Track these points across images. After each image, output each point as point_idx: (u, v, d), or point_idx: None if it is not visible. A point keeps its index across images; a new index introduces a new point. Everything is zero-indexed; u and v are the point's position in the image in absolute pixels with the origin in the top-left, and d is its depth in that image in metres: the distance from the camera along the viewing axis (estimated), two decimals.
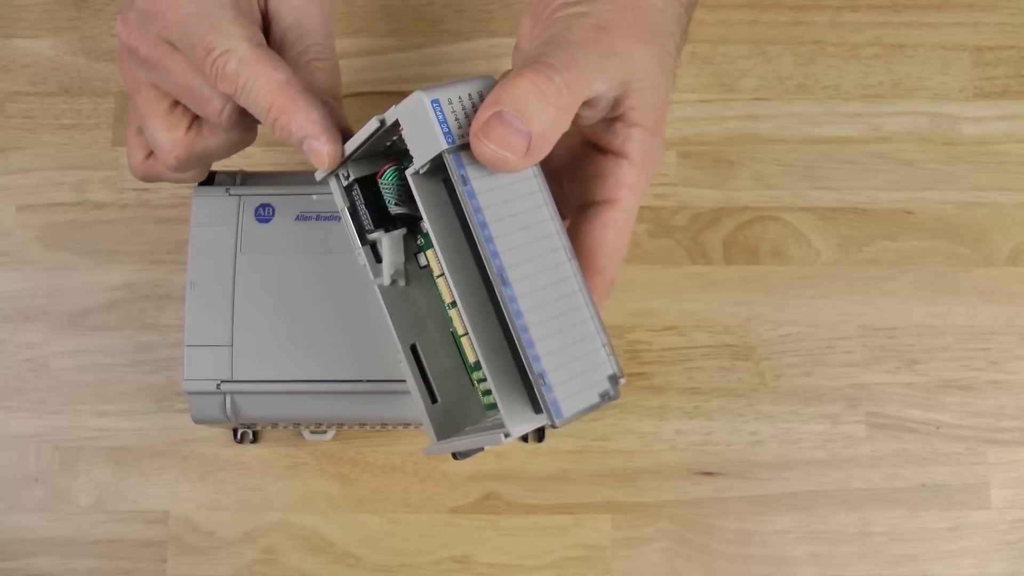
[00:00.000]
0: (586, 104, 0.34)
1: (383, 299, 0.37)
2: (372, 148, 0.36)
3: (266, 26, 0.40)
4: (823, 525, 0.53)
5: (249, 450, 0.53)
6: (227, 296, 0.44)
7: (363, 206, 0.36)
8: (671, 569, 0.52)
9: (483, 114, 0.31)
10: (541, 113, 0.31)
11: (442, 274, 0.35)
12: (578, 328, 0.32)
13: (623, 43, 0.34)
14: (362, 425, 0.49)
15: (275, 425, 0.48)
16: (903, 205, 0.56)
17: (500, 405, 0.32)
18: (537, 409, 0.32)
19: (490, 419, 0.36)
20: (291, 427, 0.50)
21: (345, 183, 0.37)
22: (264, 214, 0.45)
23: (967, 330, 0.55)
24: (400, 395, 0.43)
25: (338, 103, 0.39)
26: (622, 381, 0.32)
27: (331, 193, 0.38)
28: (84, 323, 0.54)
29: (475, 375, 0.36)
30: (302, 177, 0.47)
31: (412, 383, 0.37)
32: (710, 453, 0.53)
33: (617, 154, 0.36)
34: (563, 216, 0.34)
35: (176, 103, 0.39)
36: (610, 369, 0.32)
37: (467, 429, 0.37)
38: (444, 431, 0.37)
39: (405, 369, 0.37)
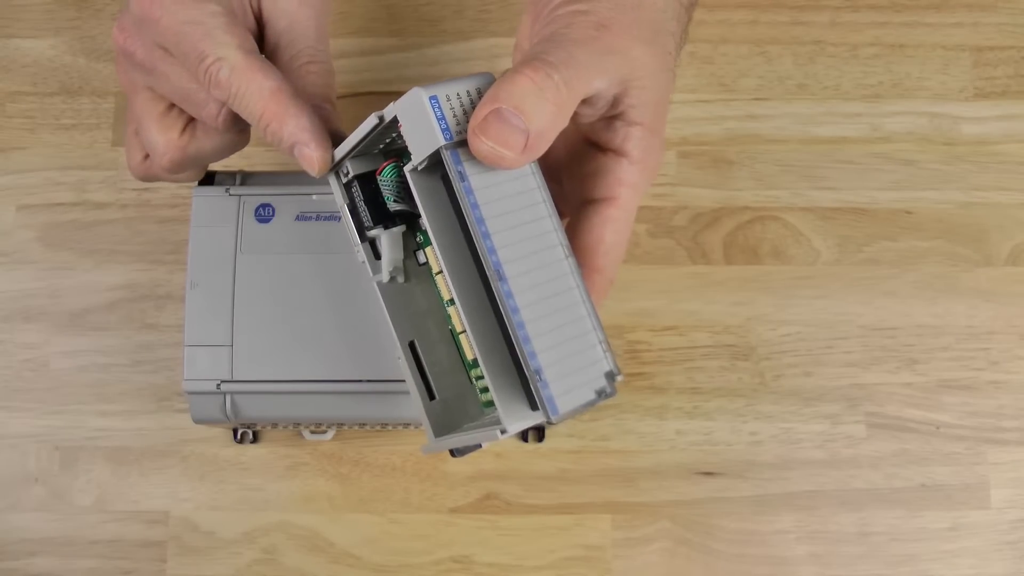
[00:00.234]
0: (585, 102, 0.34)
1: (382, 296, 0.37)
2: (371, 145, 0.36)
3: (260, 30, 0.40)
4: (823, 525, 0.53)
5: (249, 450, 0.53)
6: (227, 296, 0.44)
7: (362, 203, 0.36)
8: (671, 569, 0.52)
9: (481, 111, 0.31)
10: (539, 110, 0.31)
11: (440, 271, 0.35)
12: (575, 325, 0.32)
13: (623, 41, 0.34)
14: (362, 425, 0.49)
15: (275, 425, 0.48)
16: (903, 205, 0.56)
17: (497, 402, 0.32)
18: (534, 406, 0.32)
19: (488, 416, 0.36)
20: (291, 427, 0.50)
21: (345, 180, 0.37)
22: (264, 214, 0.45)
23: (967, 330, 0.55)
24: (400, 395, 0.43)
25: (331, 106, 0.39)
26: (619, 378, 0.32)
27: (331, 192, 0.38)
28: (84, 323, 0.54)
29: (473, 372, 0.36)
30: (302, 177, 0.46)
31: (410, 380, 0.37)
32: (710, 453, 0.53)
33: (617, 152, 0.36)
34: (562, 215, 0.34)
35: (171, 106, 0.40)
36: (607, 366, 0.32)
37: (465, 426, 0.37)
38: (442, 428, 0.37)
39: (403, 366, 0.37)
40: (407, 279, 0.38)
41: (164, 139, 0.39)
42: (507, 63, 0.39)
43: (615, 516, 0.52)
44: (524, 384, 0.33)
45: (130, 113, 0.41)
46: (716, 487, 0.53)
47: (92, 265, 0.55)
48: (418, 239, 0.38)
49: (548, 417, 0.31)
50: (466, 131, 0.31)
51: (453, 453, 0.36)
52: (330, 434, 0.53)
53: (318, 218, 0.45)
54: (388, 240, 0.37)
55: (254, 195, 0.46)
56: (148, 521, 0.52)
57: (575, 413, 0.31)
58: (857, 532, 0.52)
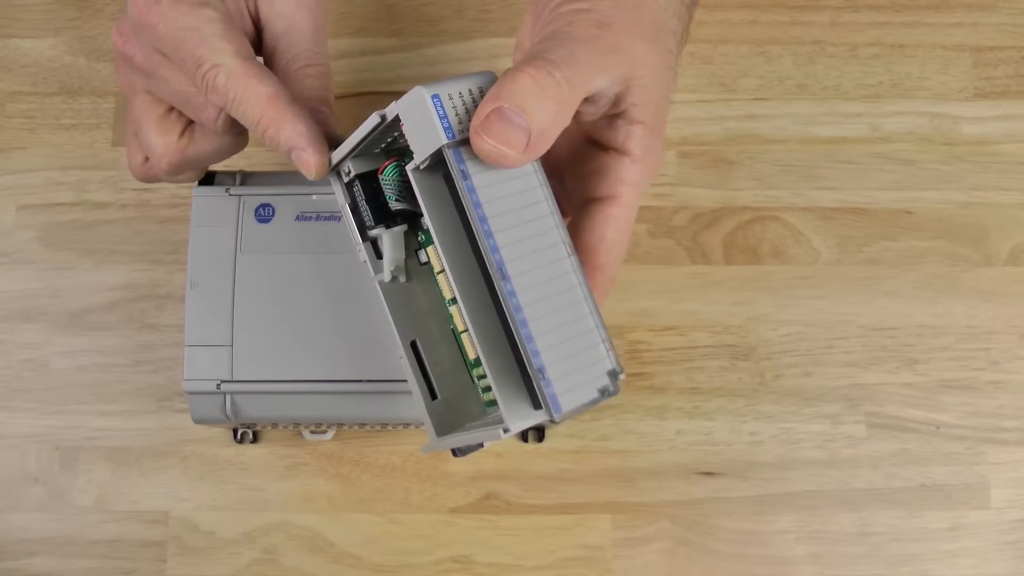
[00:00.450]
0: (587, 101, 0.34)
1: (383, 295, 0.37)
2: (373, 144, 0.36)
3: (258, 34, 0.40)
4: (823, 525, 0.53)
5: (249, 450, 0.53)
6: (227, 296, 0.44)
7: (364, 202, 0.36)
8: (671, 569, 0.52)
9: (483, 110, 0.31)
10: (541, 109, 0.31)
11: (443, 270, 0.35)
12: (578, 323, 0.32)
13: (625, 39, 0.34)
14: (362, 425, 0.49)
15: (275, 425, 0.48)
16: (903, 205, 0.56)
17: (499, 400, 0.32)
18: (536, 405, 0.32)
19: (490, 416, 0.36)
20: (291, 427, 0.50)
21: (346, 179, 0.37)
22: (264, 214, 0.45)
23: (967, 330, 0.55)
24: (400, 395, 0.43)
25: (329, 109, 0.39)
26: (622, 377, 0.32)
27: (331, 192, 0.38)
28: (84, 323, 0.54)
29: (475, 372, 0.36)
30: (302, 177, 0.46)
31: (412, 379, 0.37)
32: (710, 453, 0.53)
33: (618, 151, 0.36)
34: (564, 213, 0.34)
35: (170, 109, 0.40)
36: (609, 364, 0.32)
37: (467, 426, 0.37)
38: (444, 428, 0.37)
39: (405, 365, 0.37)
40: (408, 279, 0.38)
41: (163, 142, 0.40)
42: (508, 63, 0.39)
43: (615, 516, 0.52)
44: (527, 383, 0.33)
45: (130, 116, 0.41)
46: (716, 487, 0.53)
47: (92, 265, 0.55)
48: (419, 238, 0.38)
49: (551, 416, 0.31)
50: (468, 130, 0.31)
51: (455, 453, 0.36)
52: (330, 434, 0.53)
53: (318, 218, 0.45)
54: (390, 239, 0.37)
55: (254, 195, 0.46)
56: (148, 521, 0.52)
57: (578, 411, 0.31)
58: (857, 532, 0.52)
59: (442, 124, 0.31)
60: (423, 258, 0.38)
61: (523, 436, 0.53)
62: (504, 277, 0.31)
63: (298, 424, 0.48)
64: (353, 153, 0.36)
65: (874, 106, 0.58)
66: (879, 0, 0.59)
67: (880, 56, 0.58)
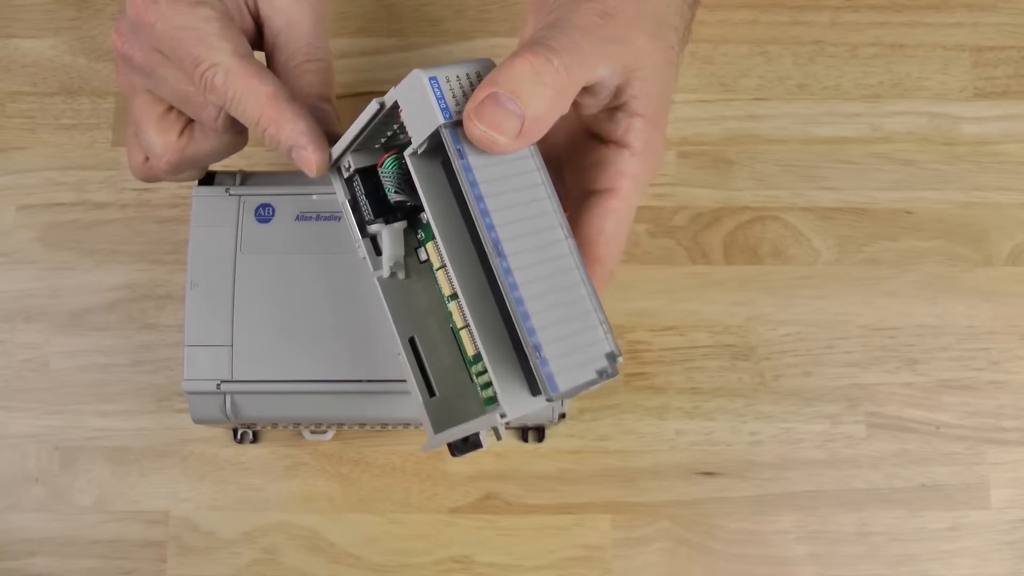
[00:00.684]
0: (588, 92, 0.34)
1: (382, 292, 0.37)
2: (372, 138, 0.36)
3: (259, 31, 0.40)
4: (823, 525, 0.53)
5: (249, 450, 0.53)
6: (227, 296, 0.44)
7: (363, 196, 0.36)
8: (671, 569, 0.52)
9: (478, 95, 0.31)
10: (537, 96, 0.31)
11: (442, 266, 0.35)
12: (576, 305, 0.32)
13: (627, 31, 0.34)
14: (362, 425, 0.49)
15: (275, 425, 0.48)
16: (903, 205, 0.56)
17: (496, 386, 0.32)
18: (535, 391, 0.32)
19: (488, 414, 0.36)
20: (291, 427, 0.50)
21: (346, 175, 0.37)
22: (264, 214, 0.45)
23: (967, 330, 0.55)
24: (400, 395, 0.43)
25: (330, 105, 0.39)
26: (619, 360, 0.32)
27: (331, 192, 0.38)
28: (84, 323, 0.54)
29: (474, 369, 0.36)
30: (302, 177, 0.46)
31: (410, 377, 0.37)
32: (710, 453, 0.53)
33: (618, 144, 0.36)
34: (563, 209, 0.34)
35: (170, 108, 0.40)
36: (608, 347, 0.31)
37: (465, 424, 0.37)
38: (441, 425, 0.36)
39: (403, 362, 0.37)
40: (407, 276, 0.38)
41: (163, 141, 0.40)
42: None
43: (615, 516, 0.52)
44: (525, 371, 0.32)
45: (130, 115, 0.41)
46: (716, 487, 0.53)
47: (92, 265, 0.55)
48: (419, 236, 0.37)
49: (547, 394, 0.30)
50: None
51: (453, 452, 0.36)
52: (330, 434, 0.53)
53: (318, 218, 0.45)
54: (389, 235, 0.37)
55: (254, 195, 0.46)
56: (148, 521, 0.52)
57: (575, 392, 0.31)
58: (857, 532, 0.52)
59: (439, 105, 0.31)
60: (423, 256, 0.38)
61: (523, 436, 0.53)
62: (500, 255, 0.31)
63: (298, 424, 0.48)
64: (353, 145, 0.36)
65: (874, 106, 0.58)
66: (879, 0, 0.59)
67: (880, 56, 0.58)
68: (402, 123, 0.33)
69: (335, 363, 0.44)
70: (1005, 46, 0.58)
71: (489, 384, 0.32)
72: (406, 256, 0.37)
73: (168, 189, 0.55)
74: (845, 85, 0.58)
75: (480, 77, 0.32)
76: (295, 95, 0.37)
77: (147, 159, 0.42)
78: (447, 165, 0.33)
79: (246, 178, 0.47)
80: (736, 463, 0.53)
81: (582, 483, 0.53)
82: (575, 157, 0.37)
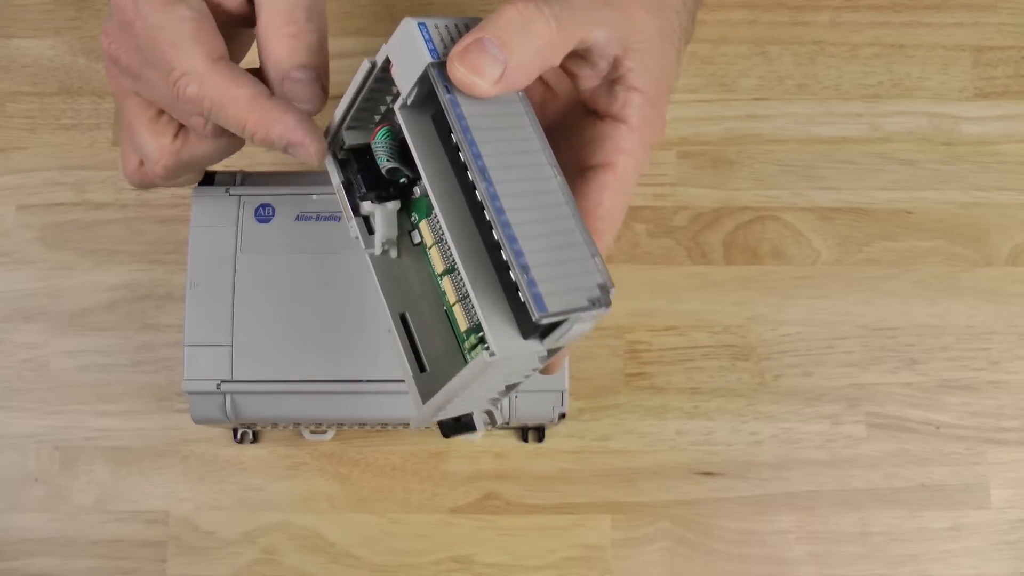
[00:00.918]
0: (584, 61, 0.34)
1: (373, 268, 0.37)
2: (368, 110, 0.35)
3: (251, 4, 0.38)
4: (823, 525, 0.53)
5: (249, 450, 0.53)
6: (227, 296, 0.44)
7: (356, 173, 0.36)
8: (671, 569, 0.52)
9: (465, 39, 0.31)
10: (522, 44, 0.31)
11: (435, 243, 0.34)
12: (566, 235, 0.31)
13: (626, 3, 0.34)
14: (362, 425, 0.49)
15: (275, 425, 0.48)
16: (903, 205, 0.56)
17: (485, 327, 0.31)
18: (525, 335, 0.31)
19: (476, 358, 0.35)
20: (291, 427, 0.50)
21: (341, 155, 0.37)
22: (264, 214, 0.45)
23: (967, 330, 0.55)
24: (400, 395, 0.43)
25: (306, 74, 0.36)
26: (613, 292, 0.30)
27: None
28: (84, 323, 0.54)
29: (467, 344, 0.35)
30: (302, 177, 0.47)
31: (400, 351, 0.36)
32: (710, 453, 0.53)
33: (615, 118, 0.35)
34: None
35: (162, 111, 0.38)
36: (600, 278, 0.30)
37: (453, 381, 0.35)
38: (430, 397, 0.36)
39: (393, 337, 0.36)
40: (400, 256, 0.37)
41: (157, 144, 0.38)
42: None
43: (615, 516, 0.52)
44: (517, 316, 0.31)
45: (122, 119, 0.40)
46: (716, 487, 0.53)
47: (92, 265, 0.55)
48: (412, 219, 0.37)
49: (535, 315, 0.29)
50: None
51: (444, 432, 0.35)
52: (330, 434, 0.53)
53: (318, 218, 0.45)
54: (382, 215, 0.36)
55: (254, 195, 0.46)
56: (148, 521, 0.52)
57: (564, 316, 0.29)
58: (857, 532, 0.52)
59: (427, 46, 0.31)
60: (416, 239, 0.37)
61: (523, 436, 0.53)
62: (487, 181, 0.30)
63: (298, 424, 0.48)
64: (350, 115, 0.35)
65: (874, 106, 0.58)
66: (879, 0, 0.59)
67: (880, 56, 0.58)
68: (396, 93, 0.33)
69: (335, 363, 0.44)
70: (1005, 46, 0.58)
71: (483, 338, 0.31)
72: (399, 238, 0.37)
73: (168, 189, 0.55)
74: (845, 85, 0.58)
75: (468, 28, 0.32)
76: (273, 68, 0.35)
77: (141, 163, 0.40)
78: (438, 120, 0.33)
79: (246, 178, 0.47)
80: (736, 463, 0.53)
81: (582, 483, 0.53)
82: (574, 134, 0.37)
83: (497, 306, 0.31)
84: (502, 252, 0.30)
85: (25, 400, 0.53)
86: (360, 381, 0.44)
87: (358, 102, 0.35)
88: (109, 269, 0.55)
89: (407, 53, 0.32)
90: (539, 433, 0.53)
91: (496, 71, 0.31)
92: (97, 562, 0.52)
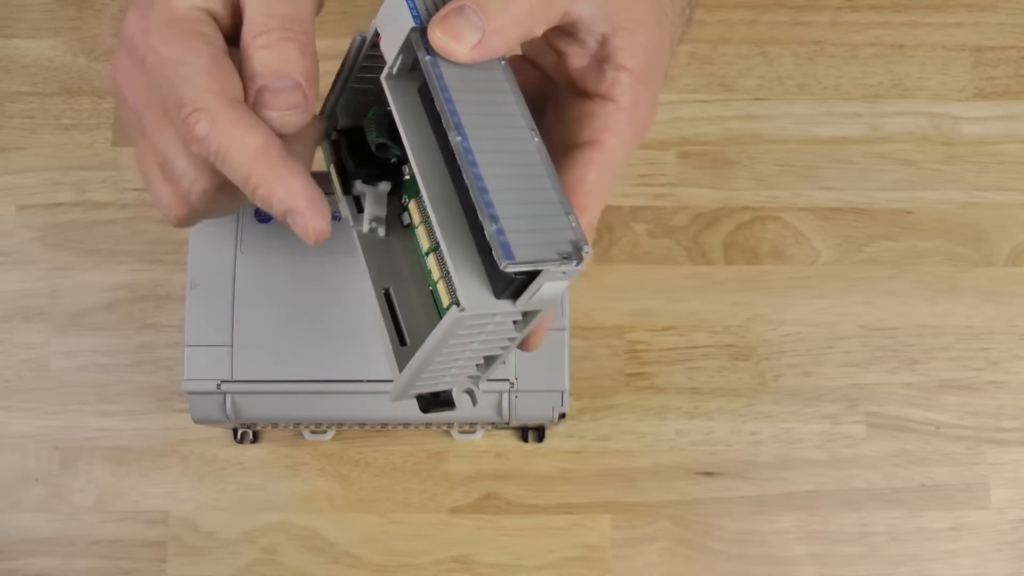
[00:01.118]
0: (572, 37, 0.34)
1: (360, 244, 0.37)
2: (359, 91, 0.36)
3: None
4: (823, 525, 0.53)
5: (249, 450, 0.53)
6: (227, 296, 0.44)
7: (347, 152, 0.36)
8: (671, 569, 0.52)
9: (447, 7, 0.31)
10: (501, 11, 0.31)
11: (422, 221, 0.34)
12: (540, 193, 0.31)
13: None
14: (362, 425, 0.49)
15: (275, 425, 0.48)
16: (903, 205, 0.56)
17: (455, 278, 0.30)
18: (498, 294, 0.30)
19: (448, 313, 0.34)
20: (291, 427, 0.50)
21: (333, 137, 0.37)
22: (264, 214, 0.45)
23: (967, 330, 0.55)
24: None
25: (288, 79, 0.32)
26: (587, 251, 0.29)
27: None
28: (84, 323, 0.54)
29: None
30: None
31: (382, 324, 0.36)
32: (710, 453, 0.53)
33: (603, 97, 0.35)
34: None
35: None
36: (573, 236, 0.30)
37: (427, 342, 0.34)
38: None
39: (376, 312, 0.36)
40: (390, 237, 0.37)
41: (167, 192, 0.35)
42: None
43: (615, 516, 0.52)
44: (490, 277, 0.31)
45: (137, 162, 0.36)
46: (716, 487, 0.53)
47: (92, 265, 0.55)
48: (403, 201, 0.37)
49: (501, 263, 0.28)
50: None
51: (422, 406, 0.35)
52: (330, 434, 0.53)
53: None
54: (372, 195, 0.37)
55: None
56: (148, 521, 0.52)
57: (532, 266, 0.29)
58: (857, 532, 0.52)
59: (412, 12, 0.32)
60: (405, 220, 0.37)
61: (523, 436, 0.53)
62: (462, 135, 0.30)
63: (298, 424, 0.48)
64: (343, 89, 0.36)
65: (874, 106, 0.58)
66: (879, 0, 0.59)
67: (880, 56, 0.58)
68: (379, 45, 0.33)
69: (335, 363, 0.44)
70: (1005, 46, 0.58)
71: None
72: (391, 220, 0.37)
73: None
74: (845, 85, 0.58)
75: None
76: (247, 82, 0.32)
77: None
78: (424, 93, 0.33)
79: None
80: (736, 463, 0.53)
81: (582, 483, 0.53)
82: (562, 113, 0.37)
83: (470, 266, 0.31)
84: (472, 199, 0.30)
85: (25, 400, 0.53)
86: (360, 381, 0.44)
87: (351, 80, 0.35)
88: (109, 269, 0.55)
89: (393, 20, 0.32)
90: (539, 433, 0.53)
91: (474, 37, 0.31)
92: (97, 562, 0.52)
